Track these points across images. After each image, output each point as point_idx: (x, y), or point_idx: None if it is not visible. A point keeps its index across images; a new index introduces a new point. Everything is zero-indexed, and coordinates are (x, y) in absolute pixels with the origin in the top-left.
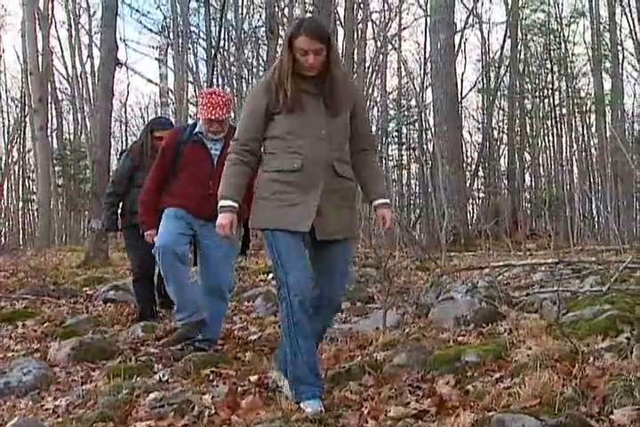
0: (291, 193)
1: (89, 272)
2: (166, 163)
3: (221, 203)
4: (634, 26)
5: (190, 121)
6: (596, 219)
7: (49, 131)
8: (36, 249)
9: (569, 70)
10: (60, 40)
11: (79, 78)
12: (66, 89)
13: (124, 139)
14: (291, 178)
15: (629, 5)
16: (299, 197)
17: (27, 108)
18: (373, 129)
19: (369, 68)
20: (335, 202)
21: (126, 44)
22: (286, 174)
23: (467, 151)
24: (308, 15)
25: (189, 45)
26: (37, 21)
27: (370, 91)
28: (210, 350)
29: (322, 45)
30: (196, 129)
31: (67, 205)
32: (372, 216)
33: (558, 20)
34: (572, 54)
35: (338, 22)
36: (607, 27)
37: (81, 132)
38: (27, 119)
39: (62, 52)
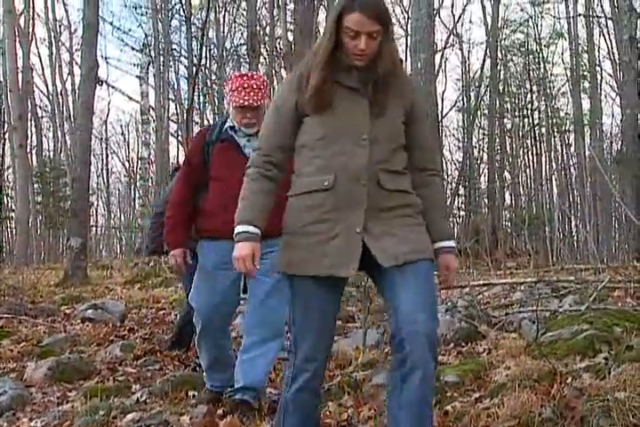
0: (325, 221)
1: (67, 291)
2: (193, 170)
3: (237, 229)
4: (611, 46)
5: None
6: (575, 238)
7: (28, 148)
8: (13, 267)
9: (548, 90)
10: (40, 57)
11: (59, 95)
12: (46, 106)
13: (104, 156)
14: (322, 200)
15: (607, 26)
16: (337, 226)
17: (6, 125)
18: None
19: None
20: (390, 222)
21: (107, 62)
22: (316, 196)
23: (447, 170)
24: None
25: (171, 63)
26: (18, 38)
27: None
28: (255, 404)
29: (379, 27)
30: (227, 123)
31: (45, 223)
32: None
33: (537, 40)
34: (551, 74)
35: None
36: (585, 47)
37: (61, 150)
38: (6, 136)
39: (43, 69)
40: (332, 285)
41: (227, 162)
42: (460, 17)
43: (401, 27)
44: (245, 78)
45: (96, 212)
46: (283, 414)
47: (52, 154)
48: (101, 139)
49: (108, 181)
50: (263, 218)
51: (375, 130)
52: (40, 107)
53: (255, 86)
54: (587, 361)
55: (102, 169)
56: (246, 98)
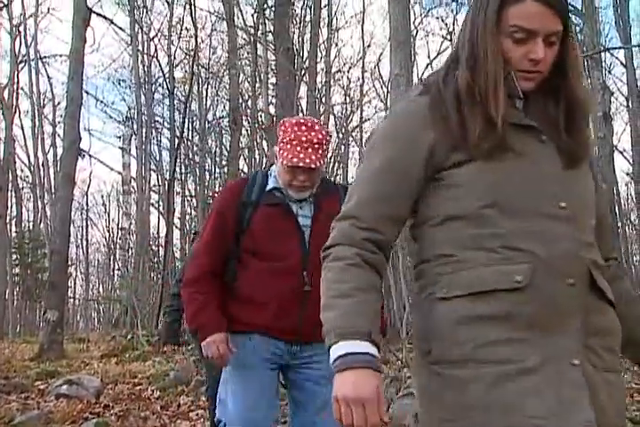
0: (512, 343)
1: (42, 365)
2: (224, 237)
3: (347, 347)
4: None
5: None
6: None
7: (7, 218)
8: None
9: None
10: (23, 129)
11: (41, 167)
12: (27, 177)
13: (84, 227)
14: (510, 307)
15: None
16: (534, 352)
17: None
18: None
19: (331, 158)
20: (603, 360)
21: (90, 134)
22: (499, 299)
23: None
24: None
25: (153, 135)
26: (1, 111)
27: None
28: None
29: (561, 26)
30: (270, 183)
31: (22, 295)
32: None
33: None
34: None
35: (300, 114)
36: None
37: (40, 221)
38: None
39: (25, 140)
40: None
41: (276, 234)
42: None
43: (381, 100)
44: (304, 129)
45: (74, 282)
46: None
47: (31, 225)
48: (82, 210)
49: (87, 251)
50: (373, 323)
51: (570, 192)
52: (21, 177)
53: (316, 141)
54: None
55: (82, 239)
56: (302, 157)
